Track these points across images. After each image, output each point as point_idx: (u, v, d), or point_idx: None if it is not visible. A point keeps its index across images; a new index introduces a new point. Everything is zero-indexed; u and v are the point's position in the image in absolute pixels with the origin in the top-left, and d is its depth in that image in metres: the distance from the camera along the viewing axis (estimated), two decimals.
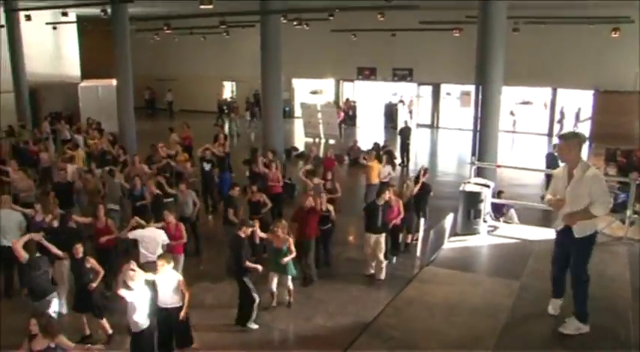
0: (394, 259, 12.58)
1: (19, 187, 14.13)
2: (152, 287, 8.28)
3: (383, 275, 11.67)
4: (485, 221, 8.87)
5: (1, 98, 28.28)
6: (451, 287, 6.67)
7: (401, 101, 31.27)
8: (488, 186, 9.00)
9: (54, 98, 30.79)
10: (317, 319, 10.20)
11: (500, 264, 7.45)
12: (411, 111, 30.48)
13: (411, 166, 21.75)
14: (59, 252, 9.56)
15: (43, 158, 17.82)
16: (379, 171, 15.40)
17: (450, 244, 8.31)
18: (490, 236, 8.63)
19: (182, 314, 8.43)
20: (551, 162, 15.34)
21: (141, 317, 7.84)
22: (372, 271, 11.79)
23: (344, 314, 10.32)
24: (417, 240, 13.54)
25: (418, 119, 30.75)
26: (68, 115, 28.26)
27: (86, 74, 33.15)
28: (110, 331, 9.43)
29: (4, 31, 26.13)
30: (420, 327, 5.95)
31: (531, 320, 6.15)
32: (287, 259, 10.07)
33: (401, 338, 5.84)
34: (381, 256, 11.56)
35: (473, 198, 8.63)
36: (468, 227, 8.67)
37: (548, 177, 14.18)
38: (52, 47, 31.96)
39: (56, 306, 8.67)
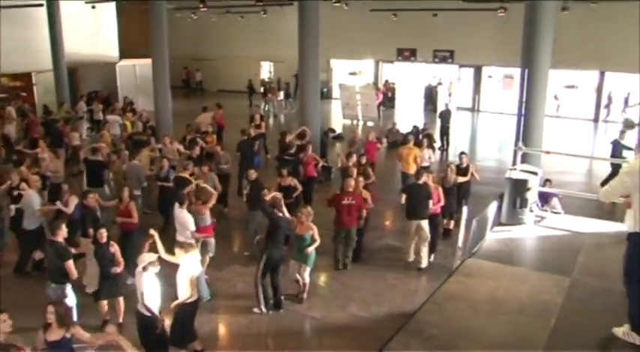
0: (431, 257, 11.86)
1: (49, 168, 13.96)
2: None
3: (424, 264, 11.20)
4: (531, 210, 8.35)
5: (42, 77, 28.76)
6: (495, 282, 6.22)
7: (439, 83, 30.54)
8: (535, 174, 8.47)
9: (92, 77, 31.09)
10: (351, 307, 9.85)
11: (549, 258, 6.95)
12: (450, 94, 29.73)
13: (451, 151, 21.15)
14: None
15: (71, 137, 17.75)
16: (416, 156, 14.71)
17: (494, 235, 7.83)
18: (537, 227, 8.12)
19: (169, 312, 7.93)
20: (617, 150, 14.54)
21: (152, 303, 7.53)
22: (412, 259, 11.37)
23: (379, 304, 9.95)
24: (456, 226, 12.97)
25: (458, 102, 29.95)
26: (105, 95, 28.26)
27: (124, 53, 33.26)
28: (120, 319, 9.25)
29: (43, 10, 26.18)
30: (463, 325, 5.53)
31: (583, 321, 5.66)
32: (311, 249, 9.69)
33: (441, 337, 5.43)
34: (424, 244, 11.12)
35: (519, 186, 8.12)
36: (513, 217, 8.17)
37: (614, 167, 13.55)
38: (90, 26, 31.94)
39: (72, 296, 8.44)
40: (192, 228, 9.86)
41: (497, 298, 5.91)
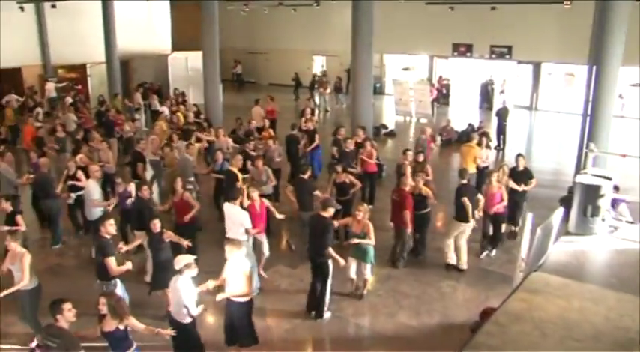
0: (493, 251, 11.46)
1: (102, 158, 13.91)
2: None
3: (464, 265, 10.72)
4: (603, 219, 7.57)
5: (96, 69, 29.07)
6: (566, 302, 5.52)
7: (492, 81, 29.24)
8: (609, 179, 7.66)
9: (144, 69, 31.54)
10: (400, 316, 9.29)
11: (627, 275, 6.16)
12: (502, 92, 28.54)
13: (507, 150, 20.24)
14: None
15: (125, 128, 17.66)
16: (475, 155, 13.97)
17: (561, 246, 7.09)
18: (610, 237, 7.34)
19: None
20: None
21: (192, 308, 7.11)
22: (452, 261, 10.83)
23: (431, 313, 9.37)
24: (511, 235, 12.23)
25: (515, 100, 28.73)
26: (157, 87, 28.30)
27: (177, 46, 33.38)
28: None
29: (98, 3, 26.36)
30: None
31: None
32: (357, 241, 9.20)
33: None
34: (463, 244, 10.68)
35: (591, 192, 7.31)
36: (583, 226, 7.39)
37: None
38: (144, 19, 32.27)
39: (121, 291, 8.13)
40: (249, 224, 9.49)
41: (568, 321, 5.22)
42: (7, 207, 10.04)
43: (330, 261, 8.86)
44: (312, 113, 18.79)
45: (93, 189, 11.12)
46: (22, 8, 26.20)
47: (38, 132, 16.00)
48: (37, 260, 10.94)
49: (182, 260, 7.18)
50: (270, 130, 16.70)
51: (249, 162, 12.88)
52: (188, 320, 7.16)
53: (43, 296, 9.72)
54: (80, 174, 11.98)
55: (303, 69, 34.35)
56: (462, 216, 10.50)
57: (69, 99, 22.19)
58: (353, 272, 9.58)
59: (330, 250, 8.75)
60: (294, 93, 31.94)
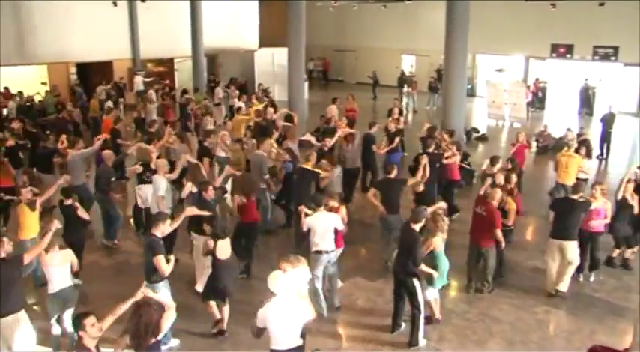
0: (592, 276, 10.19)
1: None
2: None
3: (565, 287, 9.41)
4: None
5: (186, 64, 29.32)
6: None
7: (588, 84, 27.19)
8: None
9: (231, 65, 31.88)
10: (491, 344, 8.28)
11: None
12: (594, 94, 26.49)
13: (611, 160, 18.65)
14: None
15: (204, 122, 17.35)
16: (578, 166, 12.67)
17: None
18: None
19: None
20: None
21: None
22: (556, 289, 9.51)
23: (526, 344, 8.30)
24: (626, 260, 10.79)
25: (617, 105, 26.58)
26: (243, 82, 28.17)
27: (264, 42, 33.24)
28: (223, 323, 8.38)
29: None
30: None
31: None
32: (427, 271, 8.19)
33: None
34: (568, 268, 9.31)
35: None
36: None
37: None
38: (232, 14, 32.30)
39: (166, 296, 7.58)
40: (342, 226, 8.76)
41: None
42: (68, 200, 9.73)
43: (415, 280, 7.97)
44: (401, 113, 17.90)
45: (160, 184, 10.58)
46: (115, 4, 26.64)
47: (115, 125, 15.83)
48: (92, 257, 10.86)
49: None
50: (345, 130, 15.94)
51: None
52: None
53: (90, 297, 9.44)
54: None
55: (391, 68, 33.40)
56: (567, 234, 9.28)
57: (152, 92, 22.26)
58: (426, 294, 8.46)
59: (423, 266, 7.90)
60: (372, 92, 31.20)
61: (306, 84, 21.67)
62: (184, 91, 21.94)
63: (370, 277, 10.21)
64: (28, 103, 21.38)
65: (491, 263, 9.42)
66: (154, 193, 10.63)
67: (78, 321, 5.53)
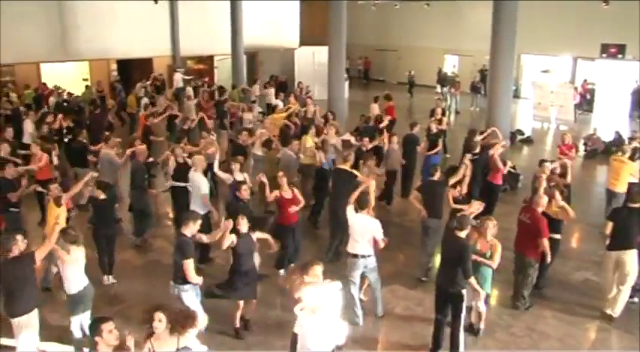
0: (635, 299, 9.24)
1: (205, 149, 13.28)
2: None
3: (617, 310, 8.69)
4: None
5: (226, 61, 29.20)
6: None
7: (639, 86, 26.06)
8: None
9: (271, 62, 31.68)
10: None
11: None
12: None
13: None
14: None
15: (244, 119, 17.18)
16: (631, 172, 11.83)
17: None
18: None
19: None
20: None
21: None
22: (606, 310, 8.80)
23: None
24: None
25: None
26: (283, 80, 27.89)
27: (305, 41, 32.96)
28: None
29: None
30: None
31: None
32: (487, 263, 7.75)
33: None
34: (623, 284, 8.59)
35: None
36: None
37: None
38: (272, 12, 32.09)
39: (193, 300, 7.26)
40: (381, 234, 8.21)
41: None
42: (99, 194, 9.47)
43: (464, 292, 7.44)
44: (443, 114, 17.36)
45: (200, 181, 10.24)
46: (156, 1, 26.71)
47: (148, 121, 15.70)
48: (123, 256, 10.68)
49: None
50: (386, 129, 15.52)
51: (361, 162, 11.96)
52: None
53: (120, 296, 9.19)
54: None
55: (432, 68, 32.73)
56: (627, 243, 8.60)
57: (190, 90, 22.22)
58: (470, 300, 7.93)
59: (472, 280, 7.33)
60: (408, 92, 30.71)
61: (346, 83, 21.26)
62: (221, 89, 21.78)
63: (409, 284, 9.75)
64: (65, 99, 21.42)
65: (530, 276, 8.78)
66: (195, 192, 10.29)
67: (95, 326, 5.25)
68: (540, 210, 8.62)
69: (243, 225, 7.85)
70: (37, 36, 24.58)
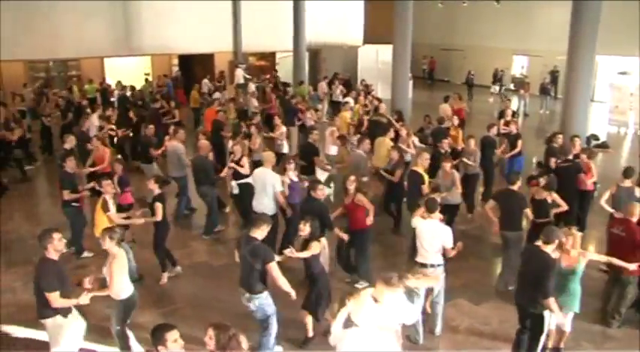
0: None
1: (254, 146, 12.96)
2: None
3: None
4: None
5: (284, 58, 29.36)
6: None
7: None
8: None
9: (333, 60, 31.28)
10: None
11: None
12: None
13: None
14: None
15: (307, 116, 16.80)
16: None
17: None
18: None
19: None
20: None
21: None
22: None
23: None
24: None
25: None
26: (346, 78, 27.36)
27: (369, 39, 32.55)
28: (311, 333, 7.47)
29: None
30: None
31: None
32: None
33: None
34: None
35: None
36: None
37: None
38: (336, 9, 31.71)
39: (270, 308, 6.75)
40: (450, 242, 7.51)
41: None
42: (155, 188, 9.08)
43: (547, 313, 6.68)
44: (513, 115, 16.47)
45: (273, 178, 9.70)
46: None
47: (217, 116, 15.45)
48: (182, 254, 10.30)
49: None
50: (459, 129, 14.70)
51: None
52: None
53: (177, 298, 8.81)
54: (244, 161, 11.09)
55: (494, 68, 31.55)
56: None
57: (252, 86, 22.03)
58: (555, 322, 7.15)
59: (551, 302, 6.47)
60: (468, 94, 29.53)
61: (410, 83, 20.57)
62: (285, 85, 21.46)
63: (475, 300, 8.92)
64: (127, 93, 21.55)
65: (629, 293, 7.90)
66: (261, 188, 9.78)
67: (159, 335, 4.75)
68: (635, 219, 7.81)
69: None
70: (102, 32, 25.38)
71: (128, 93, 21.51)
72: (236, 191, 11.27)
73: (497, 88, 30.15)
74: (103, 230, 6.90)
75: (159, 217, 8.94)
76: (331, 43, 30.97)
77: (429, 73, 36.43)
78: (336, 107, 22.00)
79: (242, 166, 11.03)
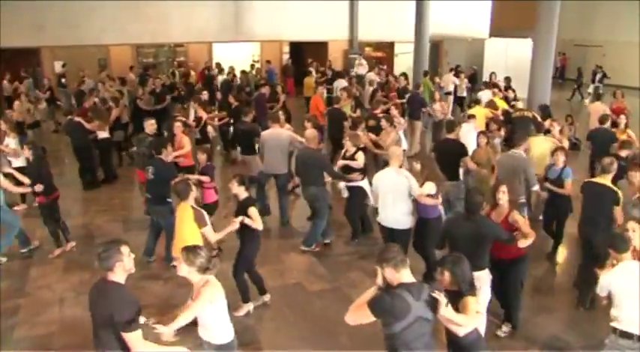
0: None
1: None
2: None
3: None
4: None
5: (402, 50, 27.70)
6: None
7: None
8: None
9: (457, 52, 29.19)
10: None
11: None
12: None
13: None
14: None
15: (436, 109, 15.26)
16: None
17: None
18: None
19: None
20: None
21: None
22: None
23: None
24: None
25: None
26: (472, 72, 24.88)
27: (495, 32, 29.93)
28: None
29: None
30: None
31: None
32: None
33: None
34: None
35: None
36: None
37: None
38: (461, 1, 29.26)
39: None
40: None
41: None
42: (240, 192, 6.92)
43: None
44: None
45: (406, 180, 7.75)
46: None
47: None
48: (271, 272, 8.13)
49: None
50: (630, 132, 11.88)
51: None
52: None
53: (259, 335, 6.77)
54: (359, 155, 9.06)
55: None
56: None
57: (371, 75, 20.58)
58: None
59: None
60: (578, 92, 26.66)
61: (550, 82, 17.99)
62: (403, 75, 19.46)
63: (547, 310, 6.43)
64: (232, 79, 20.27)
65: None
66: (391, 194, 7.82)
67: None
68: None
69: None
70: (211, 16, 24.61)
71: (231, 78, 20.17)
72: (345, 195, 9.34)
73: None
74: (184, 249, 4.72)
75: (260, 225, 6.83)
76: (455, 35, 28.70)
77: (560, 71, 33.02)
78: (459, 102, 20.53)
79: (356, 160, 9.02)
